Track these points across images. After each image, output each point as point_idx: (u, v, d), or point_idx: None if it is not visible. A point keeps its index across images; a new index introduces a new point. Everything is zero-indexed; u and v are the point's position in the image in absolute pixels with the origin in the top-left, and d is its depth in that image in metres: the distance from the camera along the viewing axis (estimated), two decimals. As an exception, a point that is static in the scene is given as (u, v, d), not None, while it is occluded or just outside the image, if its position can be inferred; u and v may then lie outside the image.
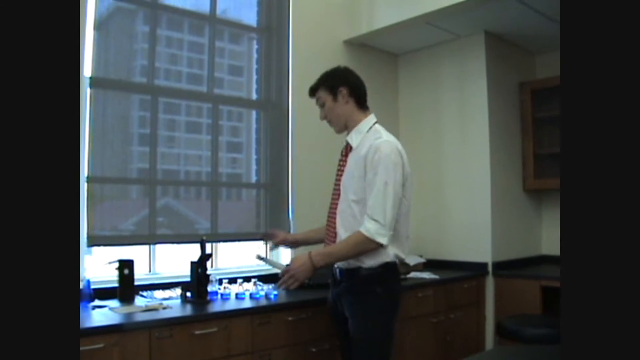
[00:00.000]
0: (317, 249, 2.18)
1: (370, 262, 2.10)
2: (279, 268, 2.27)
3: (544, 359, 1.71)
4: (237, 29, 3.34)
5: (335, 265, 2.20)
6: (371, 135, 2.18)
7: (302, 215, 3.30)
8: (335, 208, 2.22)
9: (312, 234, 2.52)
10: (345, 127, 2.26)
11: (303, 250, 2.28)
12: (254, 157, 3.33)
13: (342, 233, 2.16)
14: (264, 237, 2.40)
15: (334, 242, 2.19)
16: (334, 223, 2.21)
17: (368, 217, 2.04)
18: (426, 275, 3.29)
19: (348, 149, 2.25)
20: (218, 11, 3.18)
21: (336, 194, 2.24)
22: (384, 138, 2.13)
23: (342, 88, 2.21)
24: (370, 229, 2.02)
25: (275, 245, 2.54)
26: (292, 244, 2.60)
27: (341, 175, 2.24)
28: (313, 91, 2.29)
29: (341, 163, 2.27)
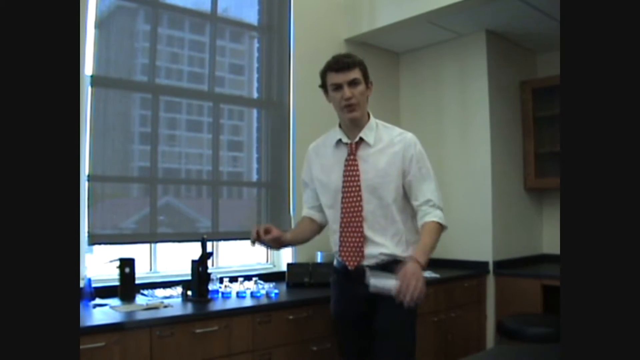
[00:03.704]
0: (415, 251, 1.99)
1: (406, 254, 2.07)
2: (388, 285, 1.94)
3: (545, 358, 1.71)
4: (238, 27, 3.34)
5: (366, 263, 2.07)
6: (384, 130, 2.16)
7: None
8: (361, 211, 2.08)
9: (298, 235, 2.33)
10: (362, 117, 2.13)
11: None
12: (255, 155, 3.33)
13: (372, 235, 2.08)
14: (258, 234, 2.10)
15: (362, 250, 2.07)
16: (360, 227, 2.08)
17: (435, 206, 2.08)
18: (427, 274, 3.28)
19: (356, 146, 2.13)
20: (219, 10, 3.18)
21: (357, 196, 2.09)
22: (407, 132, 2.16)
23: (372, 81, 2.16)
24: (442, 217, 2.07)
25: (266, 243, 2.17)
26: (281, 245, 2.26)
27: (356, 175, 2.10)
28: (351, 65, 2.08)
29: (351, 162, 2.12)
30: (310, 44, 3.44)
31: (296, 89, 3.37)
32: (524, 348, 2.26)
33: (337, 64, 2.08)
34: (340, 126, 2.20)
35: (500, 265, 3.50)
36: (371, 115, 2.20)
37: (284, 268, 3.08)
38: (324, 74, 2.13)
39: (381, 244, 2.07)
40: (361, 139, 2.13)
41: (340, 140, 2.17)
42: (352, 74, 2.07)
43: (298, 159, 3.36)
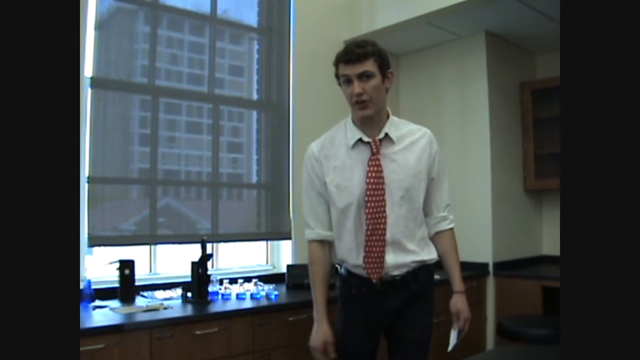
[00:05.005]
0: (453, 281, 2.15)
1: (434, 259, 2.04)
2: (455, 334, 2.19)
3: (545, 359, 1.71)
4: (238, 29, 3.35)
5: (397, 273, 1.91)
6: (402, 125, 1.99)
7: (302, 215, 3.29)
8: (385, 217, 1.86)
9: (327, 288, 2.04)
10: (376, 114, 1.91)
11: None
12: (254, 157, 3.33)
13: (404, 242, 1.90)
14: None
15: (383, 259, 1.88)
16: (384, 234, 1.87)
17: (449, 209, 2.06)
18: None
19: (379, 144, 1.91)
20: (219, 11, 3.19)
21: (381, 199, 1.87)
22: (422, 126, 2.03)
23: (392, 71, 1.94)
24: (453, 219, 2.07)
25: None
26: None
27: (381, 177, 1.87)
28: (362, 57, 1.84)
29: (375, 162, 1.88)
30: (309, 45, 3.44)
31: (296, 90, 3.37)
32: (524, 349, 2.26)
33: (346, 55, 1.87)
34: (353, 122, 1.97)
35: (500, 266, 3.50)
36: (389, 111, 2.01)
37: (284, 269, 3.08)
38: (336, 64, 1.93)
39: (412, 250, 1.92)
40: (386, 135, 1.92)
41: (360, 140, 1.92)
42: (363, 66, 1.84)
43: (298, 161, 3.36)
